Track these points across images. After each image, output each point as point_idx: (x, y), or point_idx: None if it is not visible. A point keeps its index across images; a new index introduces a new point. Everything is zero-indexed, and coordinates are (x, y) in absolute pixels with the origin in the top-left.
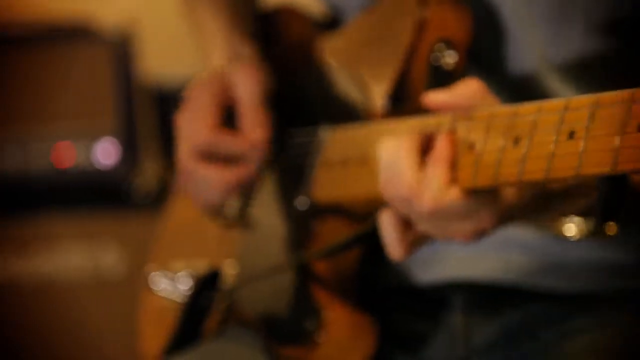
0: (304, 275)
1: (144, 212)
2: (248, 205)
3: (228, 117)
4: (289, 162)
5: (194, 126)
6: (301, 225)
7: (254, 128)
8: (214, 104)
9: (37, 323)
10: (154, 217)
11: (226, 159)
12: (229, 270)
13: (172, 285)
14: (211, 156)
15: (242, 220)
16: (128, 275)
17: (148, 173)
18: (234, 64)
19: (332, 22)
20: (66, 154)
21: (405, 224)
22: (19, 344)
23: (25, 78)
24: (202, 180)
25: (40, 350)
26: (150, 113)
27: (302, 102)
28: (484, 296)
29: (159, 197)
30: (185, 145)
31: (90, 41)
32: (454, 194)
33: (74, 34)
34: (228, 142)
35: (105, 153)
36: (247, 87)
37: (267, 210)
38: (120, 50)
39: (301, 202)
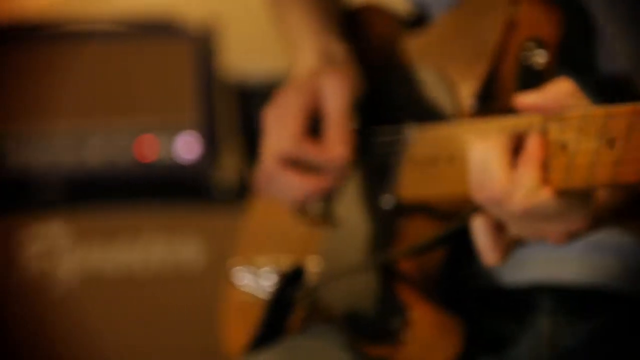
0: (389, 274)
1: (224, 206)
2: (332, 203)
3: (316, 123)
4: (373, 160)
5: (279, 131)
6: (386, 223)
7: (336, 144)
8: (301, 112)
9: (118, 314)
10: (234, 212)
11: (307, 167)
12: (313, 267)
13: (255, 280)
14: (293, 163)
15: (326, 218)
16: (208, 269)
17: (229, 167)
18: (326, 68)
19: (417, 20)
20: (149, 148)
21: (499, 228)
22: (100, 334)
23: (110, 72)
24: (282, 184)
25: (120, 341)
26: (231, 108)
27: (386, 101)
28: (571, 299)
29: (239, 192)
30: (269, 149)
31: (174, 36)
32: (545, 194)
33: (157, 29)
34: (309, 153)
35: (187, 147)
36: (336, 98)
37: (351, 208)
38: (203, 45)
39: (386, 201)
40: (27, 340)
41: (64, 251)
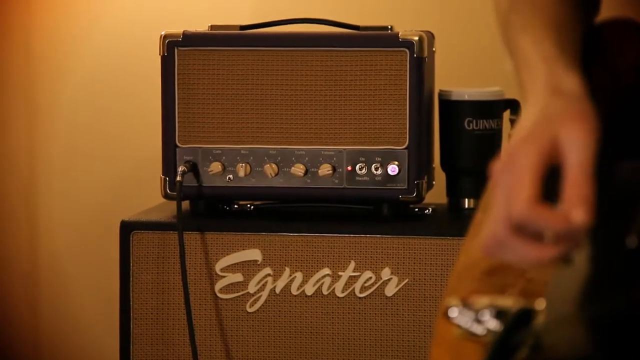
0: (632, 321)
1: (428, 233)
2: None
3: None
4: (617, 195)
5: (511, 193)
6: (629, 265)
7: (575, 206)
8: (536, 168)
9: (303, 330)
10: (437, 240)
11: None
12: (540, 309)
13: (474, 320)
14: (525, 229)
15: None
16: (399, 294)
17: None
18: (561, 108)
19: None
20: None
21: None
22: (289, 347)
23: (322, 84)
24: (512, 251)
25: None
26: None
27: (633, 130)
28: None
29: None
30: (500, 211)
31: (393, 46)
32: None
33: (377, 38)
34: (544, 222)
35: (395, 170)
36: (578, 150)
37: (587, 246)
38: (421, 59)
39: (631, 240)
40: (211, 349)
41: (256, 268)
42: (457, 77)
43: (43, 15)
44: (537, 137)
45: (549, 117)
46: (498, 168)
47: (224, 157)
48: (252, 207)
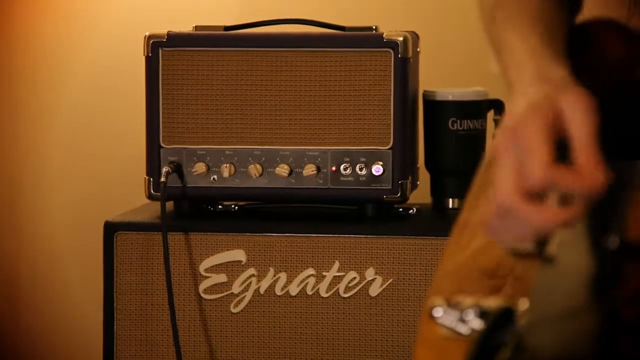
0: (612, 322)
1: (412, 233)
2: (548, 239)
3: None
4: (601, 195)
5: (526, 162)
6: (610, 265)
7: (592, 169)
8: (547, 137)
9: (289, 330)
10: (421, 239)
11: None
12: (523, 308)
13: (459, 321)
14: (538, 195)
15: (540, 255)
16: (383, 294)
17: (413, 195)
18: (561, 89)
19: None
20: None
21: None
22: (272, 347)
23: (305, 83)
24: (522, 219)
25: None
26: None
27: (616, 130)
28: None
29: (431, 222)
30: (513, 182)
31: (378, 46)
32: None
33: (362, 38)
34: (567, 182)
35: (380, 170)
36: (582, 119)
37: (570, 246)
38: (406, 59)
39: (612, 241)
40: (195, 350)
41: (240, 269)
42: (442, 78)
43: (41, 17)
44: (540, 110)
45: (547, 94)
46: (501, 144)
47: (208, 158)
48: (236, 207)
